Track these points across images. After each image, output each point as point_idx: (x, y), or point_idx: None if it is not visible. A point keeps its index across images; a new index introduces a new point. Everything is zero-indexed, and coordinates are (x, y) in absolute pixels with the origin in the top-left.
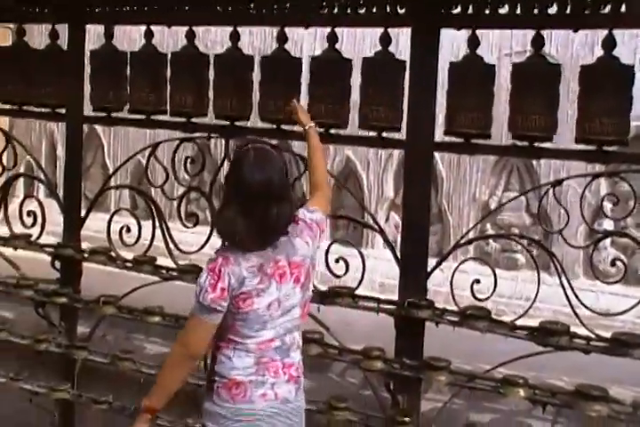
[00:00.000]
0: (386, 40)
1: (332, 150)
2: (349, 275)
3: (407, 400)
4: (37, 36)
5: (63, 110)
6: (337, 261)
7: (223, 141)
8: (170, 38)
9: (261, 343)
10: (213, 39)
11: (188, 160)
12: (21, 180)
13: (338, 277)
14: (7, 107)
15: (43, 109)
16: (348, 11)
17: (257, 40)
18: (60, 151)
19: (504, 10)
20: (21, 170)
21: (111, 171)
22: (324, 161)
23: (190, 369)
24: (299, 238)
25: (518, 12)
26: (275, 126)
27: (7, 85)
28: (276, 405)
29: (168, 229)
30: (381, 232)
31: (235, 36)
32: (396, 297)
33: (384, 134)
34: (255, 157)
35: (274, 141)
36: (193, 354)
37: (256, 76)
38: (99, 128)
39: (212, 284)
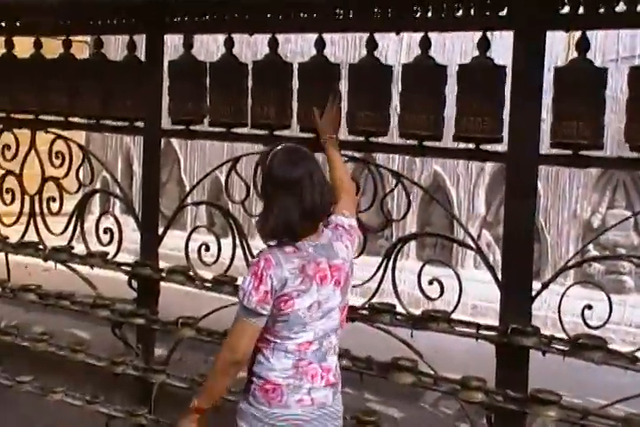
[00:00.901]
0: (484, 45)
1: (419, 164)
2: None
3: None
4: (114, 48)
5: (141, 124)
6: (430, 282)
7: None
8: (248, 49)
9: (300, 345)
10: (293, 49)
11: None
12: (96, 196)
13: (432, 299)
14: (84, 121)
15: (120, 123)
16: (443, 14)
17: (339, 50)
18: (137, 167)
19: (621, 8)
20: (97, 186)
21: (188, 187)
22: (347, 171)
23: (236, 374)
24: (339, 242)
25: None
26: (363, 139)
27: (84, 99)
28: (311, 410)
29: (249, 247)
30: (479, 251)
31: (319, 44)
32: (490, 321)
33: (482, 147)
34: (285, 152)
35: (358, 155)
36: (239, 359)
37: (343, 85)
38: (175, 142)
39: (255, 287)
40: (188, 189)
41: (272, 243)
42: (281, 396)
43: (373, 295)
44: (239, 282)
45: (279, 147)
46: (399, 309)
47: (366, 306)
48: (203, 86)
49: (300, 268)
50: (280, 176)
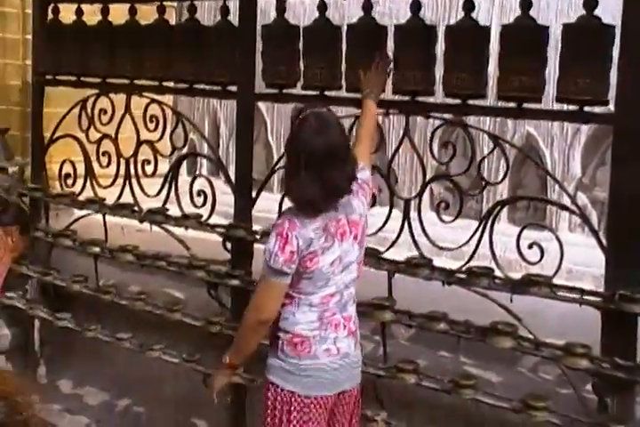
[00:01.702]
0: (591, 3)
1: (511, 126)
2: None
3: (618, 405)
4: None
5: (234, 88)
6: (530, 246)
7: (403, 118)
8: (336, 12)
9: (323, 298)
10: (382, 11)
11: None
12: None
13: (532, 264)
14: (178, 86)
15: (213, 87)
16: None
17: (429, 12)
18: (223, 130)
19: None
20: (184, 150)
21: (274, 149)
22: (374, 121)
23: (265, 332)
24: (356, 199)
25: None
26: (460, 101)
27: (178, 64)
28: (337, 359)
29: None
30: (582, 215)
31: (415, 4)
32: (586, 286)
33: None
34: (315, 122)
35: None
36: (267, 318)
37: (439, 48)
38: (262, 105)
39: (281, 247)
40: (274, 151)
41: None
42: (309, 347)
43: (470, 259)
44: None
45: (310, 116)
46: (497, 273)
47: (463, 269)
48: (296, 50)
49: (324, 226)
50: (303, 148)
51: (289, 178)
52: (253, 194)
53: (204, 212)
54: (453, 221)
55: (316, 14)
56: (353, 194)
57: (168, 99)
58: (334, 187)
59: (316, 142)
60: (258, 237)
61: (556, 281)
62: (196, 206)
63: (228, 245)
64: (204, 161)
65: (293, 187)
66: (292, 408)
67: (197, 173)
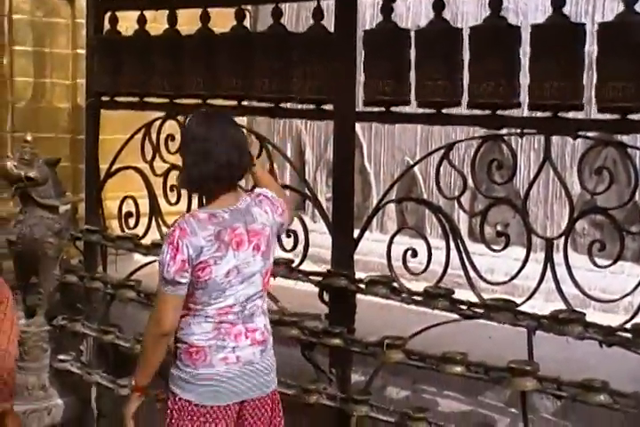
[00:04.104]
0: None
1: None
2: None
3: None
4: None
5: (329, 106)
6: None
7: (542, 139)
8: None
9: (220, 309)
10: (511, 8)
11: (494, 164)
12: None
13: None
14: (261, 105)
15: (304, 106)
16: None
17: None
18: (309, 156)
19: None
20: None
21: (372, 177)
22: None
23: (166, 345)
24: (257, 208)
25: None
26: (619, 116)
27: (259, 79)
28: (237, 367)
29: (467, 252)
30: None
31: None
32: None
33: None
34: (204, 113)
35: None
36: (166, 330)
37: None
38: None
39: (173, 256)
40: (372, 180)
41: (190, 212)
42: (204, 356)
43: (636, 313)
44: (455, 295)
45: (199, 111)
46: None
47: (628, 326)
48: (405, 60)
49: (216, 234)
50: (195, 132)
51: (183, 166)
52: (354, 233)
53: (293, 255)
54: (612, 264)
55: (423, 15)
56: (255, 204)
57: (240, 121)
58: (228, 162)
59: (206, 126)
60: (362, 286)
61: None
62: (284, 250)
63: (326, 297)
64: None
65: (186, 170)
66: (190, 417)
67: None
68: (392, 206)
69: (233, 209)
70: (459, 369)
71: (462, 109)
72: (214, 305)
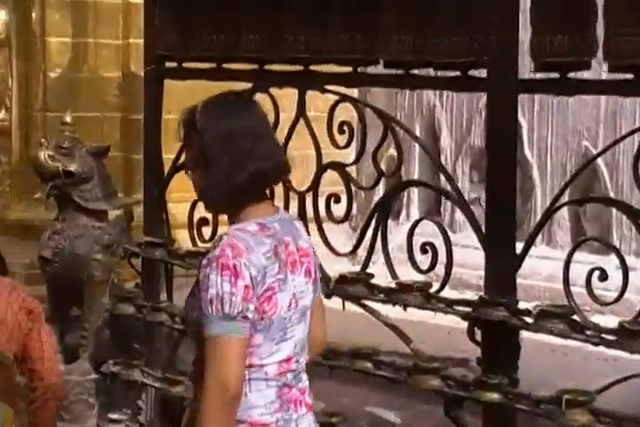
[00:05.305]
0: None
1: None
2: None
3: None
4: None
5: (481, 72)
6: None
7: None
8: None
9: (280, 364)
10: None
11: None
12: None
13: None
14: (384, 72)
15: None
16: None
17: None
18: (446, 141)
19: None
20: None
21: (535, 169)
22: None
23: (236, 413)
24: (298, 223)
25: None
26: None
27: (388, 37)
28: None
29: None
30: None
31: None
32: None
33: None
34: (221, 101)
35: None
36: (236, 391)
37: None
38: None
39: (233, 283)
40: (535, 173)
41: (234, 226)
42: None
43: None
44: None
45: (211, 98)
46: None
47: None
48: (591, 4)
49: (274, 250)
50: (231, 126)
51: (205, 173)
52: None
53: (427, 277)
54: None
55: None
56: (296, 218)
57: (350, 93)
58: (272, 161)
59: (233, 118)
60: (529, 320)
61: None
62: (419, 271)
63: (478, 335)
64: (414, 195)
65: (212, 179)
66: None
67: (403, 213)
68: (563, 211)
69: (280, 218)
70: None
71: None
72: (273, 357)
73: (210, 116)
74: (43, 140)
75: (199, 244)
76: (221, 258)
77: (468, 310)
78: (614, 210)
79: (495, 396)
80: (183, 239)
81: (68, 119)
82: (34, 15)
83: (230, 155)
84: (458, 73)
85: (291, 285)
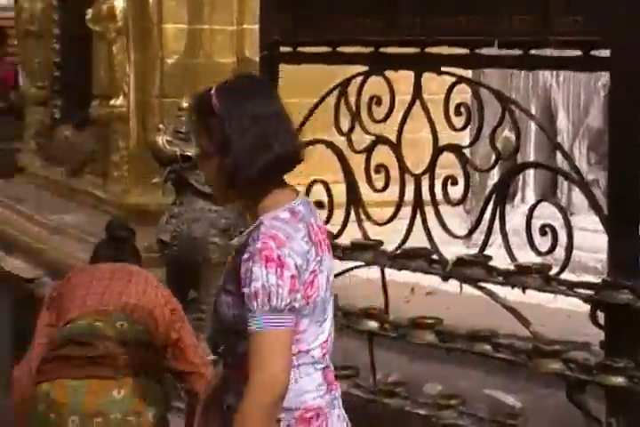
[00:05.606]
0: None
1: None
2: None
3: None
4: None
5: (603, 52)
6: None
7: None
8: None
9: (322, 345)
10: None
11: None
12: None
13: None
14: (502, 53)
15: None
16: None
17: None
18: (563, 122)
19: None
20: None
21: None
22: None
23: (279, 411)
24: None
25: None
26: None
27: (507, 16)
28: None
29: None
30: None
31: None
32: None
33: None
34: (239, 83)
35: None
36: (284, 388)
37: None
38: None
39: (279, 275)
40: None
41: (267, 215)
42: (326, 420)
43: None
44: None
45: (224, 82)
46: None
47: None
48: None
49: (307, 233)
50: (251, 110)
51: (217, 161)
52: None
53: (545, 260)
54: None
55: None
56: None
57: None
58: (286, 151)
59: (256, 100)
60: None
61: None
62: (538, 253)
63: (601, 318)
64: (529, 177)
65: (233, 165)
66: None
67: (519, 196)
68: None
69: (302, 201)
70: None
71: None
72: (319, 339)
73: (229, 100)
74: (160, 126)
75: None
76: (265, 251)
77: (590, 293)
78: None
79: (620, 380)
80: None
81: (185, 105)
82: (150, 2)
83: (256, 137)
84: (578, 53)
85: (325, 264)
